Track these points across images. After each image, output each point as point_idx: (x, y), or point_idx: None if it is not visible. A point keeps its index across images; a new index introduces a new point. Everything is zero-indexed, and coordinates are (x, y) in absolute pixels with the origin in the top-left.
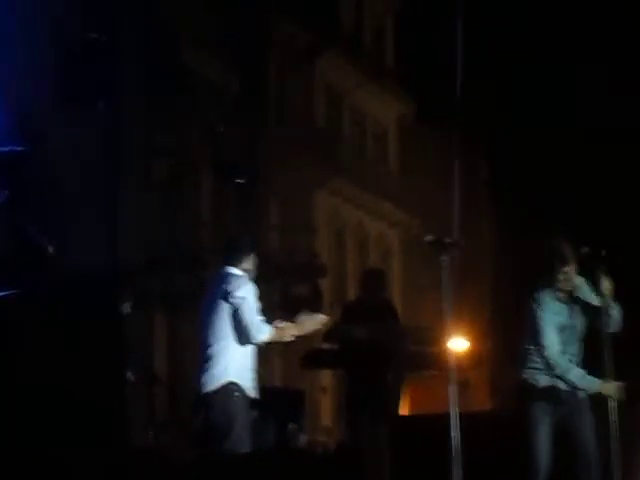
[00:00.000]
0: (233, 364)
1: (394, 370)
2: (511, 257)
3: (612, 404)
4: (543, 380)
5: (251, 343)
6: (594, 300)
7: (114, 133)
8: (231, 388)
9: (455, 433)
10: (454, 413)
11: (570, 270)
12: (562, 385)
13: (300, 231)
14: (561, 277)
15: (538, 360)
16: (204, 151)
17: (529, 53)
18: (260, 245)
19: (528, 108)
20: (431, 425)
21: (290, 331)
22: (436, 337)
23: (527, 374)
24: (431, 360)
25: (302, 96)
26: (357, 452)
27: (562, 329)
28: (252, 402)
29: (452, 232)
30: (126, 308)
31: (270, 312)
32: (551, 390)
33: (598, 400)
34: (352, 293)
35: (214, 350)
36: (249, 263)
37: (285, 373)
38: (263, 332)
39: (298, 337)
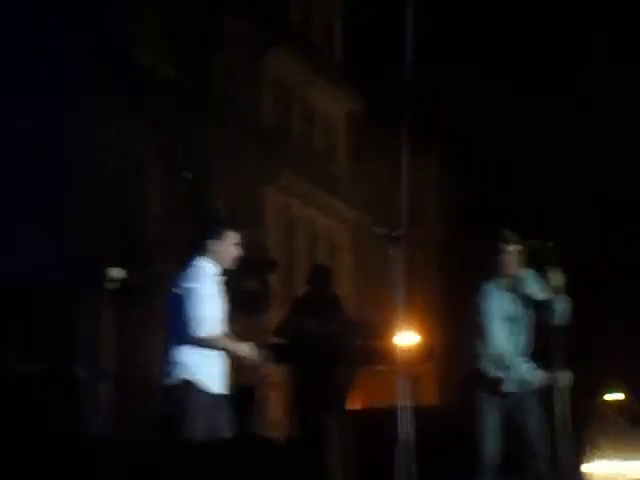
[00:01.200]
0: (192, 360)
1: (344, 365)
2: (461, 250)
3: (559, 395)
4: (490, 373)
5: (190, 338)
6: (537, 294)
7: (59, 130)
8: (187, 387)
9: (405, 426)
10: (404, 407)
11: (513, 251)
12: (509, 378)
13: (248, 227)
14: (504, 259)
15: (485, 353)
16: (153, 147)
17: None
18: None
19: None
20: (381, 419)
21: (230, 346)
22: (385, 331)
23: (475, 367)
24: (381, 354)
25: (251, 92)
26: (307, 446)
27: (509, 319)
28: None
29: (401, 227)
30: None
31: None
32: (498, 383)
33: (547, 392)
34: (301, 289)
35: (174, 344)
36: (225, 244)
37: (234, 368)
38: (204, 329)
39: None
